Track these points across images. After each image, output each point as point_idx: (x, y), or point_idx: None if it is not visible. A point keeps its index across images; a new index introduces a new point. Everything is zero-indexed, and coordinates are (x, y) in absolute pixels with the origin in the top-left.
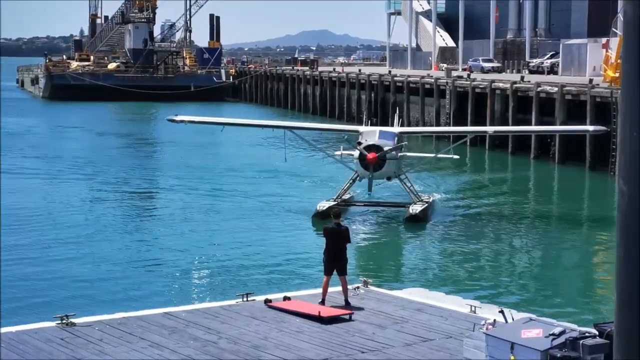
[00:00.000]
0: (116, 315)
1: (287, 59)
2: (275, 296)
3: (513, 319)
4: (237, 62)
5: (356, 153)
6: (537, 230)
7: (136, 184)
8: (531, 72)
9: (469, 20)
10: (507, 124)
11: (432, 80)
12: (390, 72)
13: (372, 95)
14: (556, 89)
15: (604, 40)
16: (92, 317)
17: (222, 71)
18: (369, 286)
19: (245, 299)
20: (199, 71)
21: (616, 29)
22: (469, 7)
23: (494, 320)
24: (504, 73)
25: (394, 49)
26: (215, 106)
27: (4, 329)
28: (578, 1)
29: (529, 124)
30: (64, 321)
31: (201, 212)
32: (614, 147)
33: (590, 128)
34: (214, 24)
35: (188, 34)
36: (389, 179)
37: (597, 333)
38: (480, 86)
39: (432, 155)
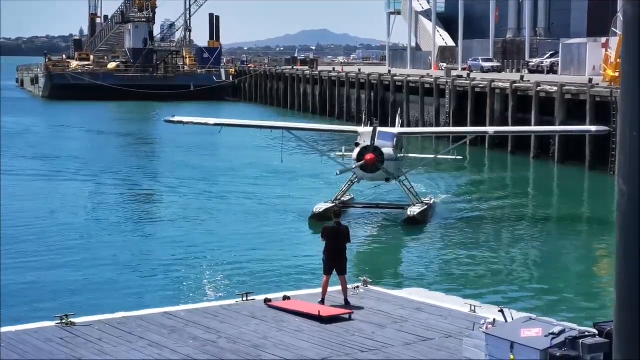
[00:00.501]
0: (116, 315)
1: (286, 58)
2: (275, 296)
3: (513, 318)
4: (236, 61)
5: (354, 154)
6: (537, 230)
7: (135, 183)
8: (531, 71)
9: (469, 20)
10: (506, 124)
11: (432, 79)
12: (390, 71)
13: (372, 94)
14: (556, 88)
15: (603, 39)
16: (91, 316)
17: (222, 71)
18: (368, 286)
19: (244, 299)
20: (198, 71)
21: (616, 28)
22: (469, 6)
23: (494, 319)
24: (503, 73)
25: (394, 49)
26: (215, 106)
27: (4, 329)
28: (578, 1)
29: (529, 123)
30: (63, 321)
31: (201, 212)
32: (613, 146)
33: (593, 128)
34: (214, 23)
35: (188, 33)
36: (387, 180)
37: (596, 332)
38: (480, 86)
39: (436, 156)
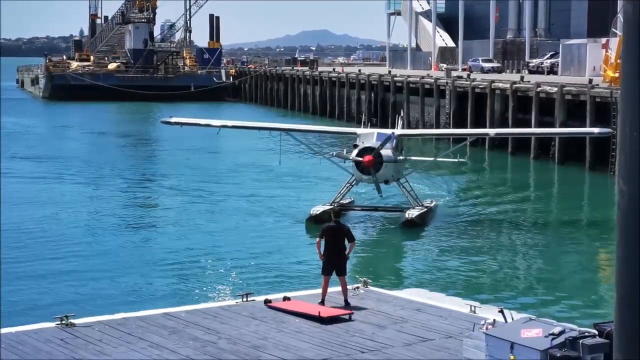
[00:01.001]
0: (116, 316)
1: (287, 59)
2: (275, 296)
3: (513, 319)
4: (237, 62)
5: (352, 155)
6: (537, 230)
7: (135, 184)
8: (531, 72)
9: (469, 20)
10: (507, 124)
11: (432, 80)
12: (390, 72)
13: (372, 95)
14: (556, 89)
15: (603, 40)
16: (91, 317)
17: (222, 71)
18: (368, 286)
19: (244, 299)
20: (199, 71)
21: (616, 29)
22: (469, 7)
23: (494, 320)
24: (503, 73)
25: (394, 49)
26: (215, 106)
27: (4, 330)
28: (578, 1)
29: (529, 124)
30: (63, 322)
31: (200, 212)
32: (614, 147)
33: (596, 130)
34: (214, 24)
35: (188, 34)
36: (386, 182)
37: (596, 332)
38: (480, 86)
39: (439, 159)
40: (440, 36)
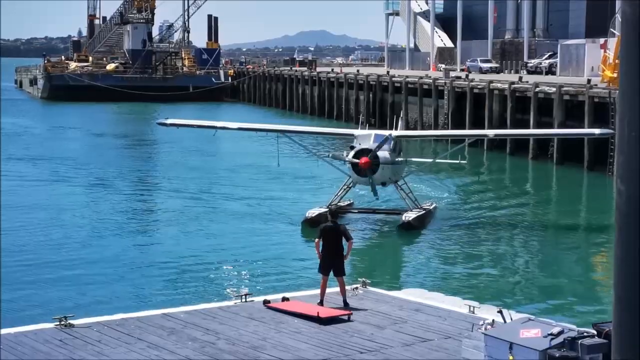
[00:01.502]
0: (114, 317)
1: (285, 59)
2: (274, 297)
3: (512, 319)
4: (235, 62)
5: (349, 157)
6: (535, 231)
7: (133, 185)
8: (529, 72)
9: (467, 21)
10: (505, 125)
11: (430, 80)
12: (388, 72)
13: (370, 95)
14: (554, 89)
15: (602, 40)
16: (90, 318)
17: (221, 72)
18: (367, 287)
19: (243, 300)
20: (197, 72)
21: (614, 29)
22: (467, 7)
23: (493, 320)
24: (502, 73)
25: (392, 50)
26: (214, 107)
27: (3, 331)
28: (576, 1)
29: (528, 124)
30: (62, 322)
31: (199, 213)
32: (612, 147)
33: (597, 131)
34: (212, 24)
35: (186, 34)
36: (383, 184)
37: (595, 333)
38: (479, 87)
39: (438, 160)
40: (439, 36)
